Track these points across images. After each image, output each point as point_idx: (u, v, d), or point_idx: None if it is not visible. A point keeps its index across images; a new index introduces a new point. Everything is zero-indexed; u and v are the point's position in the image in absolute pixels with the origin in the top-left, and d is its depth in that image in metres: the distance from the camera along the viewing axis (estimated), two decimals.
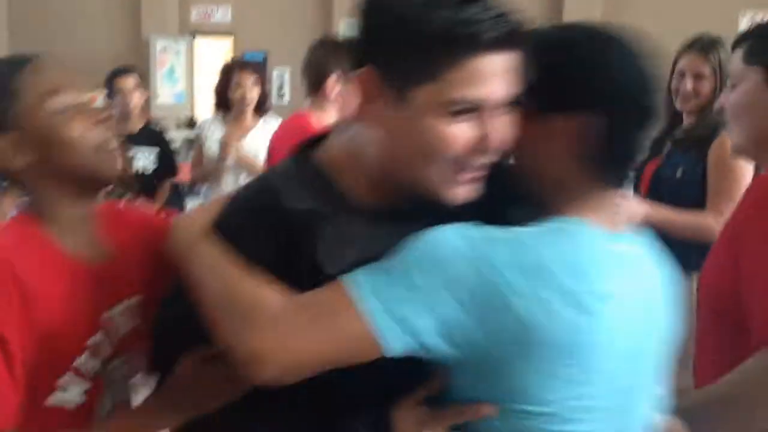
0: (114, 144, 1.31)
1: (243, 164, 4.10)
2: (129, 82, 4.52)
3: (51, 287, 1.24)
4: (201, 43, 12.15)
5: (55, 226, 1.30)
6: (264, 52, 11.78)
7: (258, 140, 4.13)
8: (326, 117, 2.98)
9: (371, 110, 1.07)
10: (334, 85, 2.96)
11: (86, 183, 1.31)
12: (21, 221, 1.32)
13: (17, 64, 1.28)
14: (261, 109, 4.24)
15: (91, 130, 1.28)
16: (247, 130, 4.19)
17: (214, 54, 11.94)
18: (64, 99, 1.26)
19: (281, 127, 3.32)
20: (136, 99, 4.54)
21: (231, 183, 4.20)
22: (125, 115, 4.47)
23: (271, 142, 3.32)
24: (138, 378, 1.41)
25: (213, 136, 4.21)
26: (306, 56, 2.99)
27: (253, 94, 4.15)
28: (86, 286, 1.29)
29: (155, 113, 9.16)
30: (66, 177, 1.28)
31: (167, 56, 11.47)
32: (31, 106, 1.25)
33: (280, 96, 12.17)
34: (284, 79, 12.47)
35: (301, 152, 1.21)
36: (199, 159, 4.35)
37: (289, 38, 13.13)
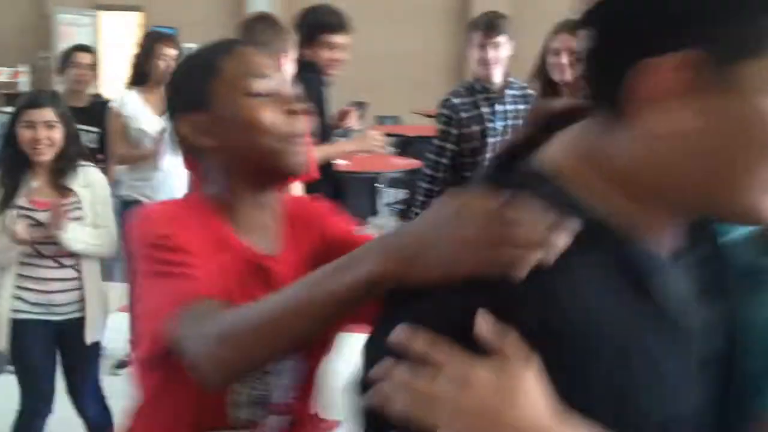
0: (303, 138, 1.28)
1: None
2: (87, 58, 4.61)
3: (209, 261, 1.21)
4: (107, 17, 11.91)
5: (227, 211, 1.28)
6: (174, 27, 11.62)
7: None
8: None
9: (671, 109, 0.77)
10: (285, 62, 3.02)
11: (267, 173, 1.27)
12: (194, 199, 1.32)
13: (223, 46, 1.30)
14: None
15: (283, 119, 1.25)
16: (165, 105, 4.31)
17: (121, 29, 11.73)
18: (260, 84, 1.25)
19: None
20: (89, 77, 4.61)
21: (168, 160, 4.15)
22: (75, 91, 4.48)
23: None
24: (277, 376, 1.33)
25: (135, 111, 4.17)
26: (245, 35, 3.00)
27: (173, 66, 4.13)
28: (242, 269, 1.25)
29: (57, 89, 9.00)
30: (247, 163, 1.25)
31: (72, 31, 11.23)
32: (227, 86, 1.25)
33: None
34: None
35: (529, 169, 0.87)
36: (122, 137, 4.21)
37: (199, 14, 13.03)
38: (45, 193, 2.87)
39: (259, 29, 2.96)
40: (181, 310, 1.10)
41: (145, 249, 1.22)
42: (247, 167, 1.26)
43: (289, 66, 3.04)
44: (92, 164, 3.02)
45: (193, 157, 1.33)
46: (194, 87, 1.28)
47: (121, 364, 4.33)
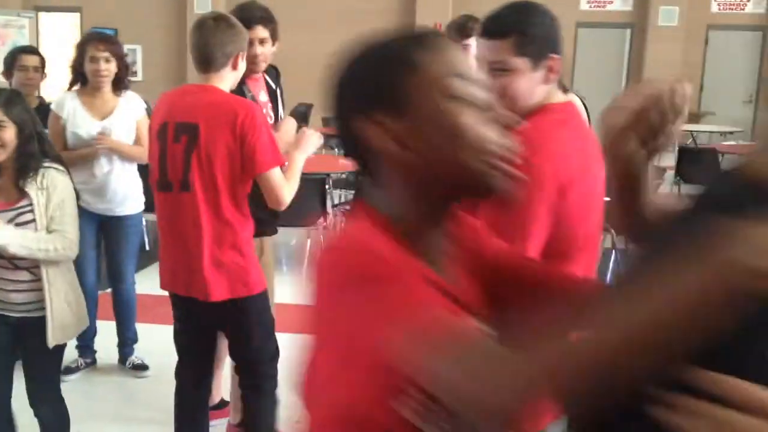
0: (510, 151, 1.08)
1: (117, 152, 4.13)
2: (33, 60, 4.57)
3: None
4: (46, 19, 11.71)
5: (407, 230, 1.08)
6: (113, 28, 11.48)
7: (123, 119, 4.16)
8: (226, 89, 3.03)
9: None
10: (242, 62, 3.04)
11: (463, 192, 1.09)
12: (368, 216, 1.10)
13: (417, 38, 1.09)
14: (119, 85, 4.18)
15: (486, 127, 1.06)
16: (109, 109, 4.16)
17: (60, 30, 11.55)
18: (466, 86, 1.06)
19: (194, 102, 2.97)
20: (37, 79, 4.59)
21: (105, 165, 4.14)
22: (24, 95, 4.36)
23: (195, 120, 2.94)
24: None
25: (72, 114, 4.12)
26: (200, 33, 2.98)
27: (107, 68, 4.09)
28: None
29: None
30: (444, 179, 1.06)
31: (9, 32, 11.00)
32: (427, 86, 1.05)
33: (132, 73, 11.89)
34: (135, 56, 12.21)
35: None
36: (60, 140, 4.12)
37: (139, 14, 12.87)
38: (6, 194, 2.83)
39: (217, 28, 2.95)
40: (431, 339, 0.89)
41: (345, 277, 0.99)
42: (442, 183, 1.06)
43: (242, 65, 3.05)
44: (58, 166, 2.93)
45: (369, 165, 1.11)
46: (386, 83, 1.06)
47: (68, 371, 4.27)
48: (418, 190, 1.08)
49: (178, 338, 3.21)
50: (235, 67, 3.01)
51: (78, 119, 4.09)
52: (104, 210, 4.21)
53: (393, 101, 1.05)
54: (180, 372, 3.23)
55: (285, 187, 2.95)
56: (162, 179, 2.97)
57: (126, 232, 4.35)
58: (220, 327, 3.15)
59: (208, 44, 2.93)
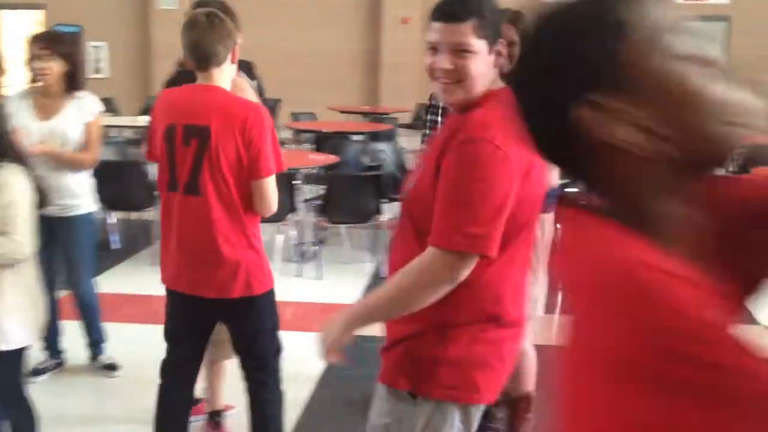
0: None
1: (49, 156, 3.95)
2: None
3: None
4: (8, 16, 11.55)
5: (659, 236, 0.84)
6: (78, 25, 11.35)
7: (68, 120, 4.02)
8: (227, 84, 3.02)
9: None
10: (237, 53, 3.04)
11: (709, 161, 0.88)
12: (611, 227, 0.84)
13: None
14: (72, 85, 4.05)
15: (718, 83, 0.85)
16: (56, 109, 4.03)
17: (24, 28, 11.41)
18: (684, 39, 0.86)
19: (202, 103, 2.95)
20: None
21: (42, 167, 3.98)
22: None
23: (206, 121, 2.90)
24: None
25: (16, 113, 3.92)
26: (197, 32, 2.93)
27: (47, 67, 3.97)
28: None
29: None
30: (686, 154, 0.84)
31: None
32: (645, 50, 0.84)
33: (97, 71, 11.81)
34: (101, 53, 12.08)
35: None
36: None
37: (103, 11, 12.73)
38: None
39: (212, 24, 2.93)
40: None
41: (652, 337, 0.73)
42: (688, 161, 0.85)
43: (237, 56, 3.05)
44: (15, 166, 2.86)
45: (583, 162, 0.89)
46: (596, 56, 0.84)
47: (36, 372, 4.21)
48: (659, 177, 0.86)
49: (173, 337, 3.18)
50: (233, 60, 3.01)
51: (19, 118, 3.88)
52: (48, 210, 4.07)
53: (609, 77, 0.84)
54: (168, 371, 3.20)
55: (275, 195, 2.98)
56: (171, 181, 2.95)
57: (76, 233, 4.20)
58: (229, 323, 3.17)
59: (206, 41, 2.91)
